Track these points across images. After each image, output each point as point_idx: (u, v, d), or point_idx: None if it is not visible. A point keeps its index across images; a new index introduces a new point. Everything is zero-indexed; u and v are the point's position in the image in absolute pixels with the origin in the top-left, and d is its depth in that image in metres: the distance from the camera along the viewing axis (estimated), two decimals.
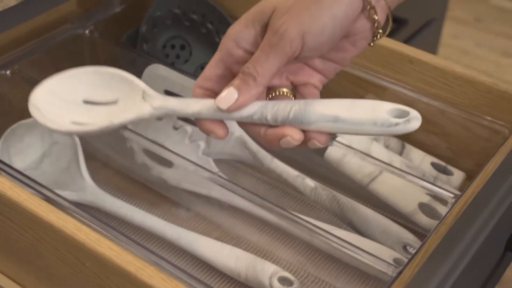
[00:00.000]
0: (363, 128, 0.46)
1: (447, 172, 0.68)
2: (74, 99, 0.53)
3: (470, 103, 0.66)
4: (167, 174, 0.68)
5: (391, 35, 1.29)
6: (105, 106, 0.53)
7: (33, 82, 0.71)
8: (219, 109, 0.48)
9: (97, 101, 0.53)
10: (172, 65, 0.79)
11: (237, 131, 0.70)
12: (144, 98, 0.51)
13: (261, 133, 0.49)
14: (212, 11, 0.78)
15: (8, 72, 0.71)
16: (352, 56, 0.52)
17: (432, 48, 1.56)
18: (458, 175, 0.68)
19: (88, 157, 0.69)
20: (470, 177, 0.68)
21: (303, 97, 0.51)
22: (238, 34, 0.50)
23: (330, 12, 0.47)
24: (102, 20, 0.78)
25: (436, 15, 1.49)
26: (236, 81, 0.48)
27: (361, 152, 0.64)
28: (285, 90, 0.51)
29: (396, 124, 0.45)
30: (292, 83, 0.52)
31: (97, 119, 0.51)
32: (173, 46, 0.80)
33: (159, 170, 0.68)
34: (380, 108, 0.46)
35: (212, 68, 0.51)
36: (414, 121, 0.45)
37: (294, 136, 0.47)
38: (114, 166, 0.72)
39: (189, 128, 0.70)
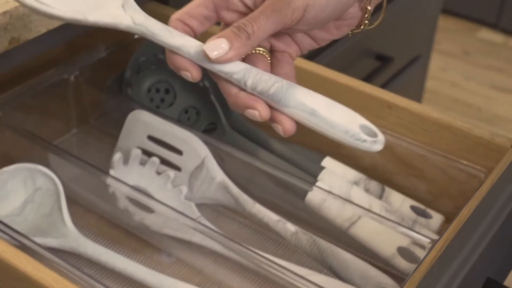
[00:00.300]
0: (334, 132, 0.47)
1: (426, 215, 0.69)
2: None
3: (447, 147, 0.67)
4: (149, 220, 0.68)
5: (377, 73, 1.31)
6: None
7: (18, 129, 0.72)
8: (205, 55, 0.47)
9: None
10: (157, 108, 0.80)
11: (219, 176, 0.70)
12: (124, 7, 0.49)
13: (232, 93, 0.48)
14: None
15: None
16: (332, 38, 0.53)
17: (419, 83, 1.58)
18: (437, 218, 0.68)
19: (71, 202, 0.70)
20: (449, 219, 0.69)
21: (278, 62, 0.51)
22: None
23: None
24: (88, 65, 0.79)
25: (422, 52, 1.51)
26: (229, 33, 0.47)
27: (341, 197, 0.65)
28: (262, 49, 0.51)
29: (364, 140, 0.46)
30: (271, 46, 0.52)
31: (64, 4, 0.48)
32: (158, 90, 0.81)
33: (141, 216, 0.69)
34: (355, 119, 0.47)
35: (200, 7, 0.50)
36: (379, 144, 0.46)
37: (262, 112, 0.47)
38: (97, 211, 0.73)
39: (171, 173, 0.71)
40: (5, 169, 0.69)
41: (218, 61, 0.47)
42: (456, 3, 2.34)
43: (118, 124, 0.81)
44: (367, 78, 1.28)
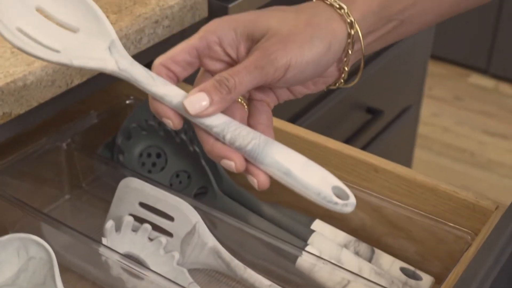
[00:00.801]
0: (307, 192, 0.48)
1: (416, 277, 0.69)
2: (29, 4, 0.49)
3: (433, 209, 0.68)
4: (142, 287, 0.69)
5: (367, 126, 1.32)
6: (59, 28, 0.50)
7: (11, 198, 0.73)
8: (184, 108, 0.48)
9: (53, 15, 0.50)
10: (148, 173, 0.82)
11: (210, 241, 0.71)
12: (110, 49, 0.49)
13: (209, 142, 0.49)
14: (187, 121, 0.80)
15: None
16: (308, 92, 0.55)
17: (411, 130, 1.60)
18: (426, 280, 0.69)
19: (65, 270, 0.70)
20: (438, 280, 0.70)
21: (256, 110, 0.53)
22: (223, 32, 0.51)
23: (318, 54, 0.50)
24: (79, 132, 0.81)
25: (413, 101, 1.53)
26: (209, 87, 0.48)
27: (330, 262, 0.66)
28: (239, 98, 0.52)
29: (336, 203, 0.48)
30: (249, 95, 0.53)
31: (48, 40, 0.48)
32: (149, 155, 0.83)
33: (134, 283, 0.69)
34: (328, 181, 0.48)
35: (183, 53, 0.51)
36: (350, 207, 0.48)
37: (238, 164, 0.48)
38: (90, 278, 0.74)
39: (163, 239, 0.72)
40: None
41: (198, 116, 0.49)
42: (446, 49, 2.38)
43: (110, 189, 0.82)
44: (359, 131, 1.29)
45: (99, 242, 0.69)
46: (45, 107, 0.70)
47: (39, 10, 0.50)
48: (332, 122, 1.23)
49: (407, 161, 1.65)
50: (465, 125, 2.19)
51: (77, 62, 0.48)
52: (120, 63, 0.49)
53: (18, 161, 0.76)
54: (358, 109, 1.30)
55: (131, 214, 0.73)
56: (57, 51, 0.50)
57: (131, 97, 0.86)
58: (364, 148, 1.34)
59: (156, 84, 0.49)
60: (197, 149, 0.79)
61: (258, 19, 0.51)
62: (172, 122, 0.50)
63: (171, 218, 0.72)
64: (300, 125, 0.79)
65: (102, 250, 0.68)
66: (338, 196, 0.48)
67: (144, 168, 0.83)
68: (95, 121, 0.83)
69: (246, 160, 0.49)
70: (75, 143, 0.80)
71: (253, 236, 0.71)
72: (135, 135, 0.82)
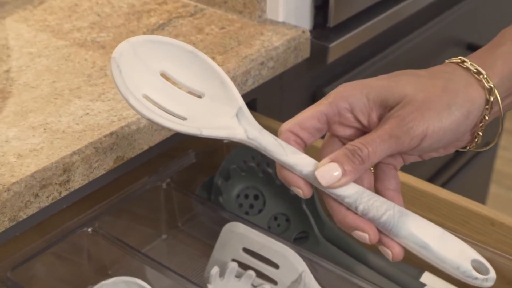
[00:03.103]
0: (444, 266, 0.46)
1: None
2: (153, 68, 0.48)
3: None
4: None
5: (449, 163, 1.27)
6: (184, 93, 0.48)
7: (111, 239, 0.72)
8: (316, 181, 0.47)
9: (177, 80, 0.48)
10: (246, 214, 0.80)
11: None
12: (238, 116, 0.47)
13: (341, 212, 0.48)
14: None
15: (89, 229, 0.72)
16: (437, 156, 0.52)
17: (487, 166, 1.56)
18: None
19: None
20: None
21: (384, 174, 0.51)
22: (354, 99, 0.49)
23: (456, 123, 0.48)
24: (178, 171, 0.80)
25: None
26: (341, 157, 0.47)
27: None
28: None
29: (475, 278, 0.46)
30: None
31: (175, 107, 0.47)
32: (246, 196, 0.81)
33: None
34: (467, 254, 0.47)
35: (312, 119, 0.49)
36: (490, 282, 0.46)
37: (372, 236, 0.47)
38: None
39: (268, 287, 0.70)
40: (104, 282, 0.68)
41: (330, 187, 0.47)
42: None
43: (206, 229, 0.81)
44: (441, 168, 1.26)
45: None
46: (152, 149, 0.69)
47: (163, 74, 0.49)
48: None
49: (481, 197, 1.61)
50: None
51: (207, 132, 0.47)
52: (250, 132, 0.48)
53: (120, 200, 0.75)
54: None
55: (234, 260, 0.72)
56: (184, 118, 0.48)
57: None
58: (443, 185, 1.30)
59: (286, 153, 0.48)
60: None
61: (392, 85, 0.49)
62: (302, 192, 0.49)
63: (276, 266, 0.70)
64: None
65: None
66: (477, 270, 0.47)
67: (241, 209, 0.81)
68: (193, 161, 0.82)
69: (379, 231, 0.48)
70: (174, 182, 0.79)
71: (360, 287, 0.68)
72: (234, 176, 0.80)
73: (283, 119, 0.87)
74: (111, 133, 0.63)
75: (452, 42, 1.18)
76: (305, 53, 0.81)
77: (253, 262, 0.71)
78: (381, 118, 0.49)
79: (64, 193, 0.61)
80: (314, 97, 0.91)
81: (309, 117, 0.49)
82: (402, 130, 0.47)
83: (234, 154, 0.81)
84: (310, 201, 0.78)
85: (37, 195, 0.58)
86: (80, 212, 0.72)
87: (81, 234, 0.72)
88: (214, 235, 0.79)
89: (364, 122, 0.50)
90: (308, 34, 0.81)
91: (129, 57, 0.47)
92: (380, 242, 0.48)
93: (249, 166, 0.80)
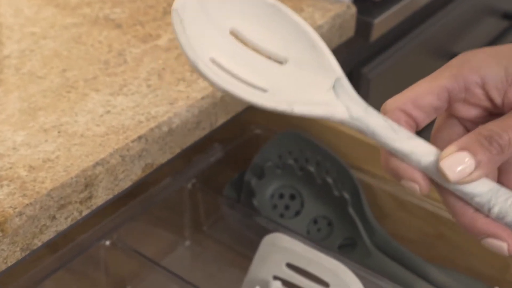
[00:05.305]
0: None
1: None
2: (222, 25, 0.38)
3: None
4: None
5: None
6: (260, 57, 0.39)
7: (130, 252, 0.63)
8: (441, 174, 0.37)
9: (251, 40, 0.39)
10: (280, 217, 0.70)
11: None
12: (336, 90, 0.38)
13: (468, 214, 0.38)
14: (330, 160, 0.69)
15: (107, 242, 0.62)
16: None
17: None
18: None
19: None
20: None
21: (509, 164, 0.40)
22: (489, 70, 0.39)
23: None
24: (204, 168, 0.70)
25: None
26: (474, 145, 0.37)
27: None
28: None
29: None
30: None
31: (251, 75, 0.38)
32: (281, 196, 0.71)
33: None
34: None
35: (430, 95, 0.40)
36: None
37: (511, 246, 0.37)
38: None
39: None
40: None
41: (458, 182, 0.37)
42: None
43: (236, 233, 0.71)
44: None
45: None
46: (183, 151, 0.59)
47: (234, 33, 0.38)
48: None
49: None
50: None
51: (299, 109, 0.36)
52: (353, 110, 0.37)
53: (139, 207, 0.65)
54: None
55: (276, 277, 0.62)
56: (263, 90, 0.38)
57: (258, 126, 0.74)
58: None
59: (400, 137, 0.38)
60: (346, 195, 0.67)
61: None
62: (419, 186, 0.38)
63: (325, 284, 0.61)
64: None
65: None
66: None
67: (275, 211, 0.71)
68: (220, 155, 0.71)
69: None
70: (199, 181, 0.69)
71: None
72: (268, 174, 0.70)
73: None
74: (139, 137, 0.52)
75: (487, 12, 1.08)
76: (350, 31, 0.71)
77: (299, 279, 0.62)
78: None
79: (85, 212, 0.50)
80: (351, 79, 0.81)
81: (425, 92, 0.39)
82: None
83: (268, 148, 0.71)
84: (357, 203, 0.68)
85: (54, 217, 0.48)
86: (95, 222, 0.62)
87: (98, 247, 0.62)
88: (244, 240, 0.70)
89: (497, 101, 0.40)
90: (353, 9, 0.71)
91: (193, 10, 0.37)
92: None
93: (285, 162, 0.70)
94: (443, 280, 0.63)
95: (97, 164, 0.50)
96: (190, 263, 0.71)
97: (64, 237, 0.58)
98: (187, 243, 0.72)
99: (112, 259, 0.63)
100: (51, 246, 0.59)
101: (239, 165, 0.73)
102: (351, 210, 0.68)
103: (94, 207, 0.51)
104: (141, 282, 0.66)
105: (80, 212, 0.50)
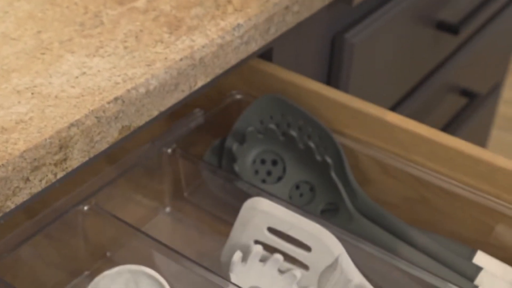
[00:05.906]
0: None
1: None
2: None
3: None
4: None
5: (464, 111, 1.18)
6: None
7: (109, 217, 0.62)
8: None
9: None
10: (262, 182, 0.70)
11: (356, 277, 0.60)
12: None
13: None
14: (312, 125, 0.68)
15: (85, 207, 0.61)
16: None
17: (491, 111, 1.47)
18: None
19: None
20: None
21: None
22: None
23: None
24: (184, 134, 0.69)
25: (497, 80, 1.40)
26: None
27: None
28: None
29: None
30: None
31: None
32: (263, 161, 0.71)
33: None
34: None
35: None
36: None
37: None
38: None
39: (298, 273, 0.60)
40: (107, 272, 0.58)
41: None
42: None
43: (216, 200, 0.71)
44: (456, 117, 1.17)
45: (227, 280, 0.57)
46: (161, 114, 0.57)
47: None
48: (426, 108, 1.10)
49: (482, 141, 1.53)
50: None
51: None
52: None
53: (118, 172, 0.64)
54: (453, 92, 1.17)
55: (257, 241, 0.62)
56: None
57: (239, 91, 0.73)
58: (443, 129, 1.20)
59: None
60: (328, 160, 0.66)
61: None
62: None
63: (307, 248, 0.60)
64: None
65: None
66: None
67: (257, 177, 0.71)
68: (201, 121, 0.70)
69: None
70: (180, 148, 0.68)
71: (406, 272, 0.59)
72: (250, 139, 0.69)
73: (300, 70, 0.76)
74: (116, 98, 0.51)
75: None
76: None
77: (280, 243, 0.61)
78: None
79: (60, 175, 0.49)
80: (333, 44, 0.80)
81: None
82: None
83: (249, 113, 0.70)
84: (340, 168, 0.67)
85: (27, 179, 0.47)
86: (73, 186, 0.61)
87: (76, 212, 0.61)
88: (225, 206, 0.69)
89: None
90: None
91: None
92: None
93: (267, 127, 0.69)
94: (426, 243, 0.62)
95: (71, 125, 0.49)
96: (170, 229, 0.70)
97: (42, 203, 0.57)
98: (168, 209, 0.71)
99: (90, 224, 0.62)
100: (29, 212, 0.58)
101: (220, 131, 0.72)
102: (333, 175, 0.67)
103: (69, 169, 0.50)
104: (121, 248, 0.65)
105: (55, 174, 0.49)
